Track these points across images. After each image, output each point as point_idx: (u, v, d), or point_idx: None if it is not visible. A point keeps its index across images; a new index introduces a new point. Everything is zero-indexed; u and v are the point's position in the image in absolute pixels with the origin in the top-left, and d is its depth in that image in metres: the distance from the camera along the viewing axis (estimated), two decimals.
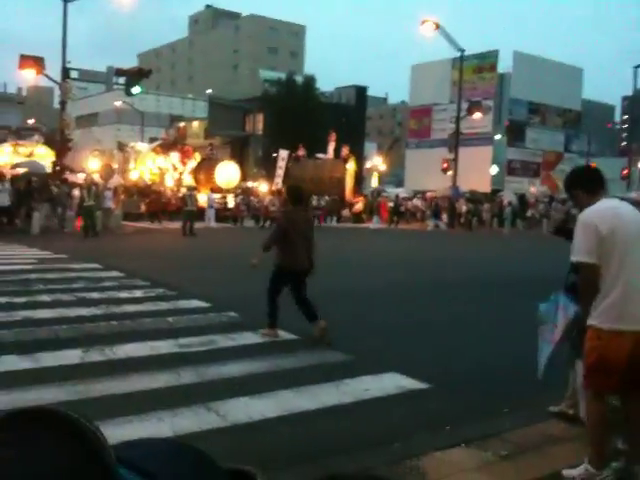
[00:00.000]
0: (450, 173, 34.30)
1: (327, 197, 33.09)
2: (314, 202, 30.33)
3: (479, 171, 42.16)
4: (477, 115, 36.94)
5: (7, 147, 33.79)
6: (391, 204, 34.69)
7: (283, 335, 6.97)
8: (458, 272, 13.75)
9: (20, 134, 47.47)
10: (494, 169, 46.34)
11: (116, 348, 6.10)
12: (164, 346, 6.26)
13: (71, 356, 5.79)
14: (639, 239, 3.33)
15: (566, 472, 3.48)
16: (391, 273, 13.34)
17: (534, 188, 43.71)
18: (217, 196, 30.96)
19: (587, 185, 3.63)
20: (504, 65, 48.61)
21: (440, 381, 5.49)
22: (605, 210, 3.38)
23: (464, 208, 32.98)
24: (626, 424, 3.56)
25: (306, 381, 5.28)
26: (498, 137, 47.91)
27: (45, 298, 8.54)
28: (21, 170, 26.36)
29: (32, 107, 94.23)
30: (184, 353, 6.06)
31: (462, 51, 35.62)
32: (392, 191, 42.84)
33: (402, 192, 41.90)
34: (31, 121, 70.53)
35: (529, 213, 33.02)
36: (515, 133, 48.73)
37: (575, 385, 4.26)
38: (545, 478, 3.50)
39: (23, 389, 4.80)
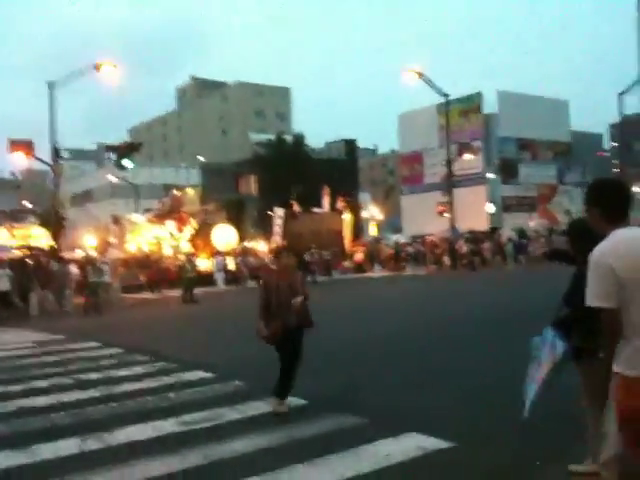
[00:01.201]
0: (447, 215, 34.23)
1: (324, 251, 32.72)
2: (307, 257, 29.81)
3: (475, 211, 42.19)
4: (467, 156, 37.22)
5: (3, 231, 33.78)
6: (391, 251, 34.47)
7: (291, 400, 6.57)
8: (465, 315, 13.36)
9: (15, 217, 47.66)
10: (490, 207, 46.39)
11: (117, 432, 5.72)
12: (167, 426, 5.87)
13: (69, 446, 5.40)
14: None
15: None
16: (395, 322, 12.98)
17: (533, 222, 43.60)
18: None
19: (606, 206, 3.06)
20: (490, 105, 49.29)
21: (464, 437, 5.10)
22: (619, 244, 2.91)
23: (464, 248, 32.72)
24: None
25: (322, 451, 4.88)
26: (491, 176, 48.14)
27: (42, 384, 8.15)
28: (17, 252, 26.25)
29: (27, 190, 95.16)
30: (188, 432, 5.67)
31: (446, 96, 36.08)
32: (391, 237, 42.71)
33: (401, 238, 41.75)
34: (26, 203, 71.05)
35: (530, 248, 32.73)
36: (507, 170, 49.00)
37: (595, 430, 3.88)
38: None
39: None
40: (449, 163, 35.19)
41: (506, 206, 48.07)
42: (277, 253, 6.82)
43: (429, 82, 34.09)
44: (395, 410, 6.13)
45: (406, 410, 6.12)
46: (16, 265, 21.59)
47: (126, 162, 25.54)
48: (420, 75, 33.47)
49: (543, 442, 4.93)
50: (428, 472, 4.49)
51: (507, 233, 35.97)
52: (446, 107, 37.12)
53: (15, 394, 7.56)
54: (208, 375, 8.19)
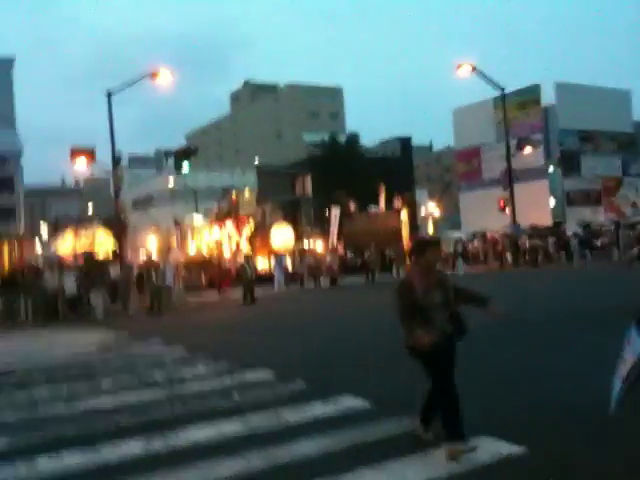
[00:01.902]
0: (508, 211, 33.45)
1: (390, 250, 32.29)
2: (366, 256, 29.58)
3: (537, 205, 41.09)
4: (527, 150, 36.27)
5: (69, 236, 34.90)
6: (450, 249, 33.86)
7: (354, 402, 6.44)
8: (533, 311, 12.93)
9: (81, 223, 49.20)
10: (552, 202, 45.14)
11: (181, 434, 5.70)
12: (230, 427, 5.82)
13: (133, 447, 5.41)
14: None
15: None
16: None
17: (601, 216, 42.16)
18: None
19: None
20: (548, 97, 47.99)
21: (537, 441, 4.85)
22: None
23: (527, 245, 31.84)
24: None
25: (388, 455, 4.71)
26: (551, 169, 46.85)
27: (107, 384, 8.27)
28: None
29: (90, 196, 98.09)
30: (251, 433, 5.59)
31: (503, 90, 35.28)
32: (450, 235, 42.06)
33: (460, 235, 41.06)
34: (90, 210, 73.28)
35: (598, 242, 31.61)
36: (569, 163, 47.53)
37: None
38: None
39: None
40: (508, 158, 34.38)
41: (569, 200, 46.64)
42: (419, 247, 5.19)
43: (483, 75, 33.42)
44: (465, 412, 5.91)
45: (476, 412, 5.87)
46: (82, 269, 22.24)
47: (183, 167, 25.87)
48: (474, 69, 32.82)
49: (624, 446, 4.63)
50: (500, 478, 4.27)
51: (572, 228, 34.86)
52: (503, 101, 36.32)
53: (82, 394, 7.68)
54: (269, 375, 8.13)
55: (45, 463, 5.11)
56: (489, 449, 4.76)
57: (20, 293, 19.97)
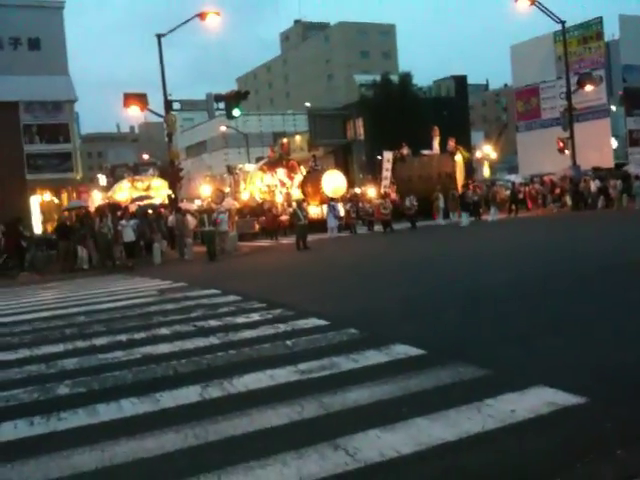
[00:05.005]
0: (568, 152, 32.28)
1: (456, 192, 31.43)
2: (407, 203, 28.75)
3: (599, 146, 39.41)
4: (589, 88, 34.68)
5: (125, 183, 35.67)
6: (507, 192, 33.06)
7: (408, 350, 6.40)
8: (593, 260, 12.57)
9: (137, 169, 50.18)
10: (613, 142, 43.23)
11: (235, 380, 5.80)
12: (284, 374, 5.88)
13: (190, 394, 5.53)
14: None
15: None
16: (515, 267, 12.42)
17: None
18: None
19: None
20: (611, 31, 45.45)
21: (598, 392, 4.71)
22: None
23: (593, 187, 30.66)
24: None
25: (441, 405, 4.68)
26: (613, 108, 44.69)
27: (164, 331, 8.47)
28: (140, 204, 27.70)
29: (145, 143, 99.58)
30: (305, 381, 5.64)
31: (563, 23, 33.59)
32: (507, 178, 41.02)
33: (518, 178, 39.98)
34: (145, 156, 74.44)
35: None
36: (632, 101, 45.15)
37: None
38: None
39: (142, 437, 4.55)
40: (569, 96, 32.95)
41: (632, 140, 44.54)
42: None
43: (543, 8, 31.79)
44: (520, 360, 5.80)
45: (532, 360, 5.76)
46: (140, 217, 22.72)
47: (235, 111, 25.69)
48: (533, 1, 31.23)
49: None
50: (559, 430, 4.17)
51: (635, 169, 33.39)
52: (564, 35, 34.61)
53: (139, 341, 7.90)
54: (323, 323, 8.16)
55: (105, 410, 5.28)
56: (547, 399, 4.65)
57: (76, 240, 20.49)
